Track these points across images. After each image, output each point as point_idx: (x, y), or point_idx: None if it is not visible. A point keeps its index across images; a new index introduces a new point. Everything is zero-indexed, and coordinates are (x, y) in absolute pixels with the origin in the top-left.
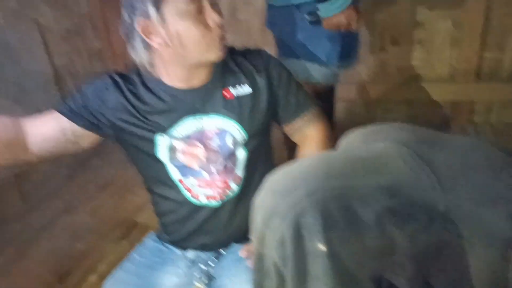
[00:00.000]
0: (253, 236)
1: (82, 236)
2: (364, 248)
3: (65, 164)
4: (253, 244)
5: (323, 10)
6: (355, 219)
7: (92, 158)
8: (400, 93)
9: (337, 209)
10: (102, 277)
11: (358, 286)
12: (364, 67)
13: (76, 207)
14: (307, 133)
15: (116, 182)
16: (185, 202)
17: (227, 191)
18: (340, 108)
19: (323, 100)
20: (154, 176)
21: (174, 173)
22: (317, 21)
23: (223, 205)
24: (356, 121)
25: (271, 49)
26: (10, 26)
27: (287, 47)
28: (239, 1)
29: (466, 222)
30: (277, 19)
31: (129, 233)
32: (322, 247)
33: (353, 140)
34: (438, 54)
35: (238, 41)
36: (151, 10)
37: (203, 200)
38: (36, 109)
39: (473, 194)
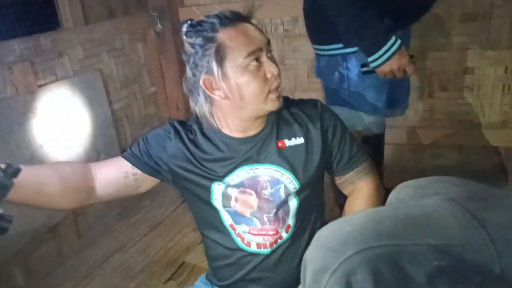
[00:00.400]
0: None
1: (133, 275)
2: None
3: (118, 204)
4: None
5: (372, 61)
6: (405, 278)
7: (144, 198)
8: (449, 138)
9: (387, 267)
10: None
11: None
12: (412, 112)
13: (128, 246)
14: (358, 185)
15: (166, 223)
16: (236, 248)
17: (278, 239)
18: (388, 151)
19: (371, 146)
20: (208, 221)
21: (227, 219)
22: (371, 71)
23: (273, 252)
24: (404, 165)
25: (318, 95)
26: (76, 74)
27: (334, 95)
28: (288, 49)
29: None
30: (325, 68)
31: (177, 273)
32: None
33: (403, 195)
34: (489, 100)
35: (286, 86)
36: (215, 67)
37: (253, 248)
38: (95, 150)
39: None
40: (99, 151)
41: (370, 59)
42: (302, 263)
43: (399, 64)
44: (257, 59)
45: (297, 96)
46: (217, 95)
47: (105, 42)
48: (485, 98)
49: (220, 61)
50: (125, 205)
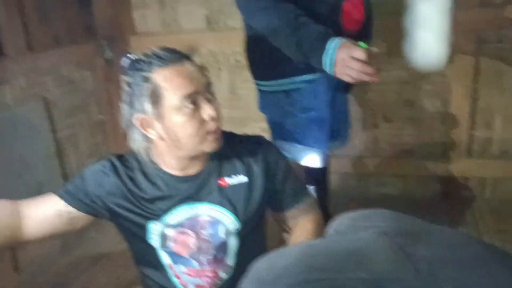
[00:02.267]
0: None
1: None
2: None
3: (60, 236)
4: None
5: (326, 68)
6: None
7: (89, 230)
8: (393, 168)
9: None
10: None
11: None
12: (357, 142)
13: (68, 281)
14: (300, 222)
15: (112, 256)
16: None
17: (217, 280)
18: (335, 180)
19: (316, 178)
20: (145, 259)
21: (165, 259)
22: (312, 108)
23: None
24: (350, 193)
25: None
26: (18, 104)
27: (279, 129)
28: (238, 78)
29: None
30: (268, 103)
31: None
32: None
33: (341, 227)
34: (429, 132)
35: (237, 116)
36: (148, 107)
37: None
38: (36, 183)
39: None
40: (41, 183)
41: (323, 67)
42: None
43: (348, 54)
44: (194, 102)
45: (249, 126)
46: (152, 134)
47: (51, 70)
48: (425, 129)
49: (155, 102)
50: (68, 236)
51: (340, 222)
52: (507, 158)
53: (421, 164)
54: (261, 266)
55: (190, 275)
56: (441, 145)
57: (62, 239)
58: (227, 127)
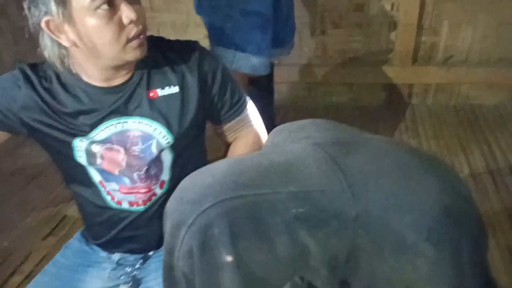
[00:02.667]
0: (164, 245)
1: (7, 232)
2: (274, 256)
3: None
4: (163, 254)
5: None
6: (264, 229)
7: (23, 146)
8: (341, 76)
9: (245, 219)
10: (27, 278)
11: None
12: (306, 49)
13: (1, 199)
14: (240, 134)
15: (47, 173)
16: (107, 207)
17: (152, 196)
18: (283, 89)
19: (260, 87)
20: (75, 177)
21: (96, 176)
22: (255, 12)
23: (147, 210)
24: (298, 103)
25: None
26: None
27: (219, 35)
28: None
29: (376, 229)
30: (205, 4)
31: (58, 228)
32: (229, 258)
33: (277, 139)
34: (377, 38)
35: (178, 21)
36: (54, 8)
37: (125, 206)
38: None
39: (382, 200)
40: None
41: None
42: (164, 216)
43: None
44: (109, 2)
45: (190, 32)
46: (64, 40)
47: None
48: (373, 36)
49: (61, 1)
50: (1, 155)
51: (277, 134)
52: (450, 65)
53: (368, 72)
54: (185, 184)
55: (122, 192)
56: (388, 52)
57: None
58: (166, 33)
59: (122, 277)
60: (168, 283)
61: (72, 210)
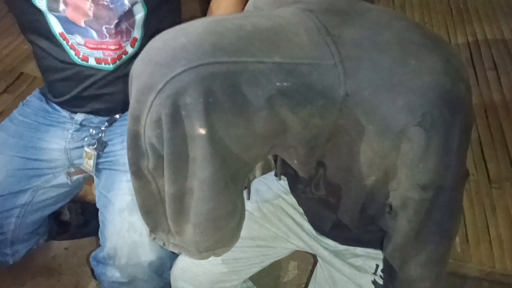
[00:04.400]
0: (129, 111)
1: None
2: (251, 131)
3: None
4: (128, 121)
5: None
6: (242, 101)
7: None
8: None
9: (221, 88)
10: None
11: (244, 168)
12: None
13: None
14: None
15: (1, 25)
16: (70, 62)
17: (122, 54)
18: None
19: None
20: (32, 25)
21: (56, 27)
22: None
23: (117, 69)
24: None
25: None
26: None
27: None
28: None
29: (363, 109)
30: None
31: (14, 85)
32: (202, 131)
33: (261, 3)
34: None
35: None
36: None
37: (91, 63)
38: None
39: (375, 80)
40: None
41: None
42: (129, 78)
43: None
44: None
45: None
46: None
47: None
48: None
49: None
50: None
51: None
52: None
53: None
54: (154, 44)
55: (88, 47)
56: None
57: None
58: None
59: (86, 139)
60: (132, 153)
61: (30, 68)
